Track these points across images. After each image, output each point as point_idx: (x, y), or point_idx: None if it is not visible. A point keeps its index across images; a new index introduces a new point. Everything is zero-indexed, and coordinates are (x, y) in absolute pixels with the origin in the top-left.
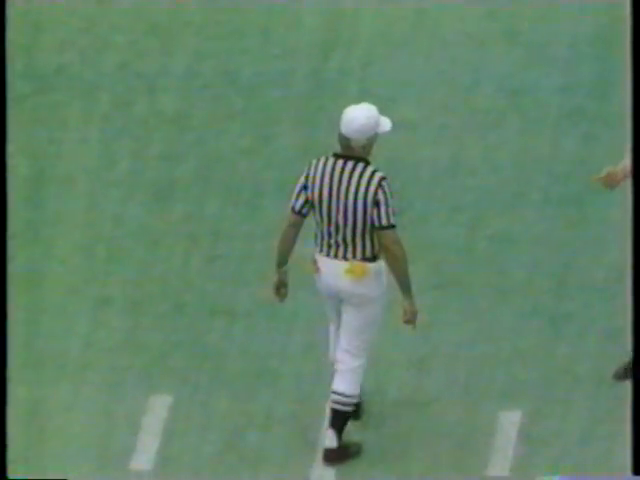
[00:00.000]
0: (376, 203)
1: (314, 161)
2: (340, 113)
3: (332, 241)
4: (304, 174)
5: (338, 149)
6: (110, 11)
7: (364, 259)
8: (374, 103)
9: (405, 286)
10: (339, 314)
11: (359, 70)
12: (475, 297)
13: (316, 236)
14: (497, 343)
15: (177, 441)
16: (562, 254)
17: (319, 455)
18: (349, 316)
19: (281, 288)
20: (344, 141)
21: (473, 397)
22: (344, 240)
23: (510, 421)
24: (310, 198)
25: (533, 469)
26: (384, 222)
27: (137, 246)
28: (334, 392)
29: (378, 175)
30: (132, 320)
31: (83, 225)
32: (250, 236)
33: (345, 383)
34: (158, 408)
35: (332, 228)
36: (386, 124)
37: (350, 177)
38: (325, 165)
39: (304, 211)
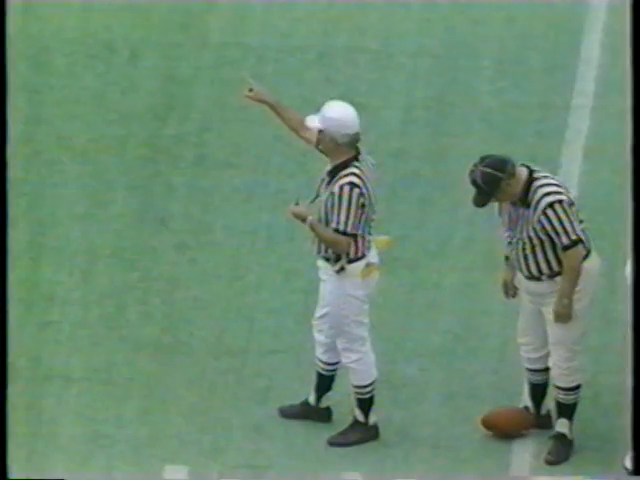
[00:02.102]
0: None
1: (356, 179)
2: (177, 179)
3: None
4: (360, 195)
5: (173, 214)
6: None
7: None
8: (210, 169)
9: None
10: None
11: (195, 136)
12: (312, 361)
13: (362, 244)
14: (335, 406)
15: None
16: (398, 318)
17: None
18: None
19: None
20: (356, 137)
21: (312, 461)
22: None
23: None
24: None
25: None
26: None
27: None
28: None
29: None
30: None
31: None
32: (84, 302)
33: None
34: (7, 469)
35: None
36: None
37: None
38: (364, 170)
39: None
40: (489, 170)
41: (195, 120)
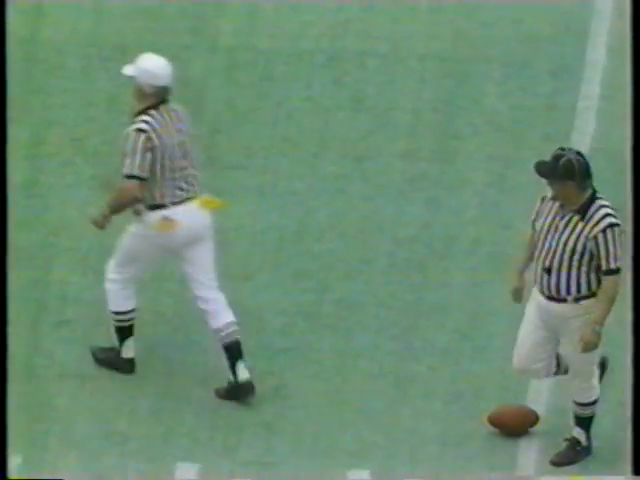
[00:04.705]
0: None
1: (144, 125)
2: None
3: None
4: (147, 139)
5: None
6: None
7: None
8: (221, 171)
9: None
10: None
11: (206, 137)
12: (322, 360)
13: (159, 192)
14: (344, 405)
15: None
16: (407, 318)
17: None
18: (205, 252)
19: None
20: (164, 91)
21: (321, 457)
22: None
23: None
24: None
25: None
26: None
27: None
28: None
29: None
30: None
31: None
32: (97, 301)
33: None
34: (7, 469)
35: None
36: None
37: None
38: (159, 119)
39: None
40: (575, 164)
41: (206, 122)
